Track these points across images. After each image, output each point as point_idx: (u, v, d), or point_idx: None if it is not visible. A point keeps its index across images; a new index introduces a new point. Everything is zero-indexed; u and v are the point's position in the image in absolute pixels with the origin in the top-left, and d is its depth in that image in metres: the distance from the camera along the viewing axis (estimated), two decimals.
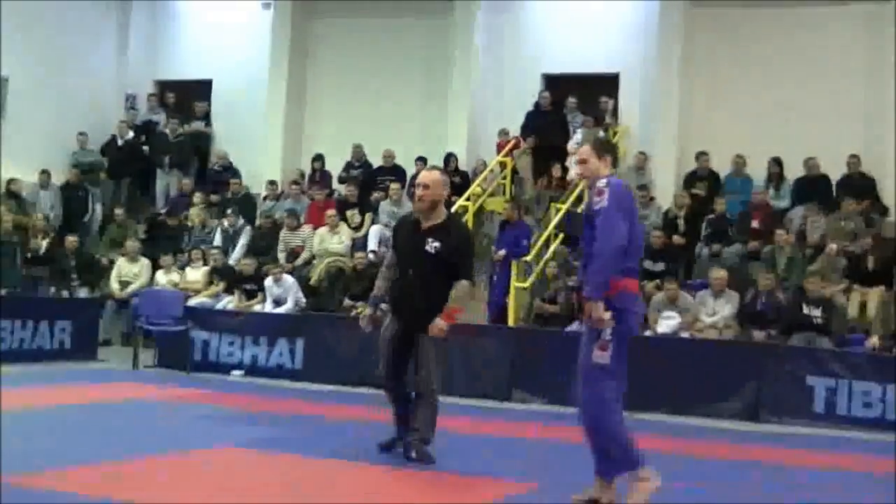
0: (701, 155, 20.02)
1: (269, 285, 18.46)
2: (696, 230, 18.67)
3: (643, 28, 21.54)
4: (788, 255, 17.40)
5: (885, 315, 15.57)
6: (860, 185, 19.00)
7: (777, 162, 19.53)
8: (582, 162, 8.06)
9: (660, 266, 17.74)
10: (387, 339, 9.86)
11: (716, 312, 16.36)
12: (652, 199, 19.68)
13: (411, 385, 9.91)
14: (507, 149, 20.95)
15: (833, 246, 17.15)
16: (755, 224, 18.54)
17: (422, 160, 21.13)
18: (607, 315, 7.60)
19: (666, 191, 20.27)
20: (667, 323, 16.14)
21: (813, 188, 19.10)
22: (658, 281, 17.19)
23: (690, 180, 19.98)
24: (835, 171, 19.25)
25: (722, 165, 20.04)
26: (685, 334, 16.10)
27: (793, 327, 15.86)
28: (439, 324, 9.54)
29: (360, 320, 10.15)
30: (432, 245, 9.58)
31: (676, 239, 18.48)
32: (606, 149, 8.15)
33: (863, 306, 16.51)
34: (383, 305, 10.18)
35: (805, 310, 15.91)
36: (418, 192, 9.79)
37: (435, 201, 9.70)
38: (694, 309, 16.43)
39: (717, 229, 18.54)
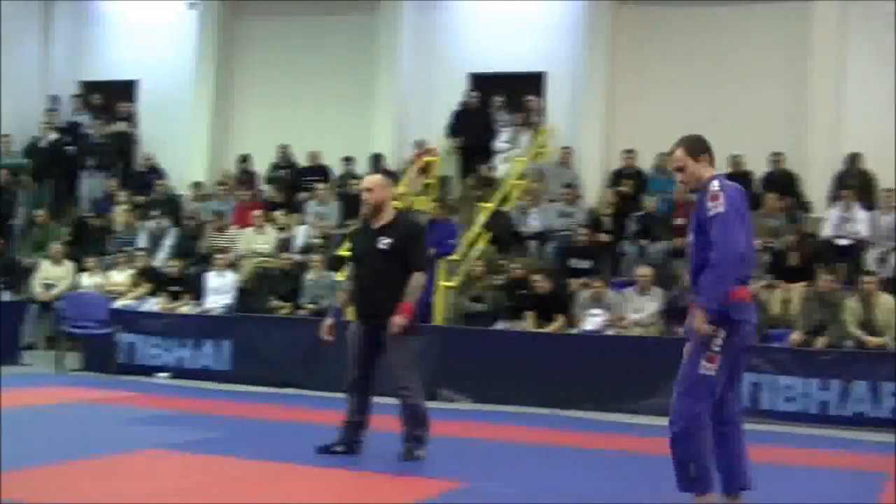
0: (627, 153, 20.14)
1: (211, 277, 18.50)
2: (621, 228, 18.77)
3: (570, 27, 21.62)
4: None
5: (808, 310, 15.74)
6: (783, 182, 19.19)
7: None
8: (679, 169, 7.67)
9: (586, 264, 17.83)
10: (354, 341, 10.11)
11: (641, 309, 16.48)
12: (578, 196, 19.77)
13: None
14: (420, 162, 20.64)
15: (756, 242, 17.29)
16: (679, 221, 18.66)
17: (348, 160, 21.17)
18: (712, 329, 7.32)
19: (592, 189, 20.40)
20: (593, 320, 16.25)
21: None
22: (584, 278, 17.27)
23: (616, 178, 20.10)
24: (758, 169, 19.44)
25: (648, 163, 20.16)
26: (611, 331, 16.20)
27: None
28: (396, 321, 9.82)
29: (321, 330, 10.32)
30: (384, 242, 9.92)
31: (602, 237, 18.57)
32: (701, 148, 7.70)
33: (786, 302, 16.67)
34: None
35: None
36: (363, 196, 10.21)
37: (379, 202, 10.06)
38: (620, 306, 16.55)
39: (644, 227, 18.65)
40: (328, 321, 10.32)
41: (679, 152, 7.66)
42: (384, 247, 9.89)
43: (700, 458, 7.47)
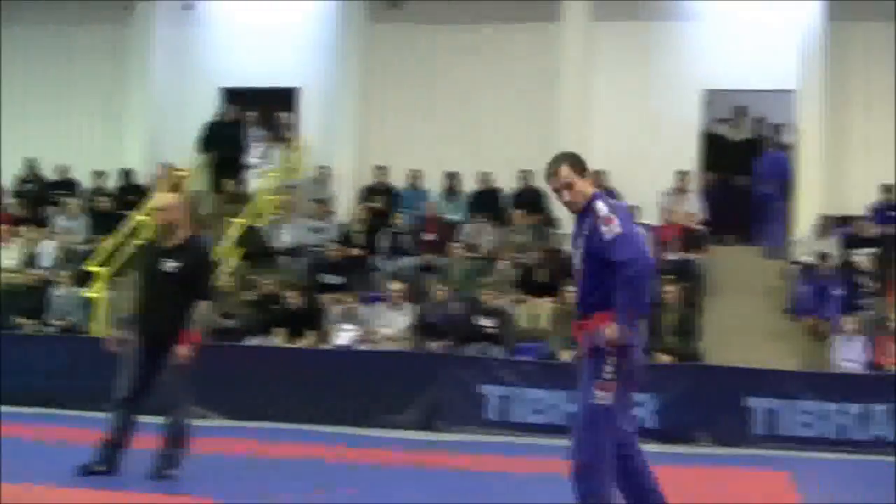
0: (378, 169, 20.30)
1: None
2: (373, 243, 18.90)
3: (323, 43, 21.66)
4: (463, 267, 17.81)
5: (557, 325, 16.13)
6: (531, 199, 19.61)
7: (452, 176, 20.00)
8: (567, 187, 7.16)
9: (337, 279, 17.89)
10: (133, 359, 9.89)
11: (392, 324, 16.64)
12: (330, 212, 19.83)
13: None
14: (171, 177, 20.36)
15: (504, 259, 17.65)
16: (430, 237, 18.92)
17: (99, 175, 20.86)
18: (622, 338, 6.86)
19: (345, 204, 20.45)
20: (344, 335, 16.33)
21: (486, 201, 19.62)
22: (336, 294, 17.34)
23: (368, 194, 20.23)
24: (508, 185, 19.85)
25: (400, 180, 20.36)
26: (363, 346, 16.30)
27: (467, 337, 16.25)
28: (182, 351, 9.69)
29: (108, 342, 10.18)
30: (169, 265, 9.76)
31: (354, 252, 18.66)
32: (584, 164, 7.25)
33: (534, 316, 17.04)
34: None
35: (478, 320, 16.33)
36: (154, 215, 10.17)
37: (170, 223, 9.91)
38: (371, 321, 16.68)
39: (395, 242, 18.81)
40: (115, 332, 10.20)
41: (565, 169, 7.19)
42: (170, 269, 9.74)
43: (601, 495, 7.02)
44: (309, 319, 16.72)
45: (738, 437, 14.29)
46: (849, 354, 15.67)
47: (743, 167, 20.02)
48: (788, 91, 19.88)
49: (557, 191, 7.26)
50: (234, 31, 22.19)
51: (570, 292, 16.11)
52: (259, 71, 21.80)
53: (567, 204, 7.26)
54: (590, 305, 7.11)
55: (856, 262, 17.55)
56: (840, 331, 16.00)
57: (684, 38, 20.60)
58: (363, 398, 15.05)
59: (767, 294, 18.05)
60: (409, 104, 21.22)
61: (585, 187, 7.18)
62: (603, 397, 6.96)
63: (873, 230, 18.25)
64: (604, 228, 6.95)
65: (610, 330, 6.88)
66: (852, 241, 18.10)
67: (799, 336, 16.80)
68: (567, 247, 18.20)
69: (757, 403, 14.43)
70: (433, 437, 14.24)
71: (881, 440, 14.12)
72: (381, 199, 20.04)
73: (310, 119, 21.69)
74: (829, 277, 17.02)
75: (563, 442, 13.35)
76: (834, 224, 18.43)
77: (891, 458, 13.39)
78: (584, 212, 7.15)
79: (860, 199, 19.22)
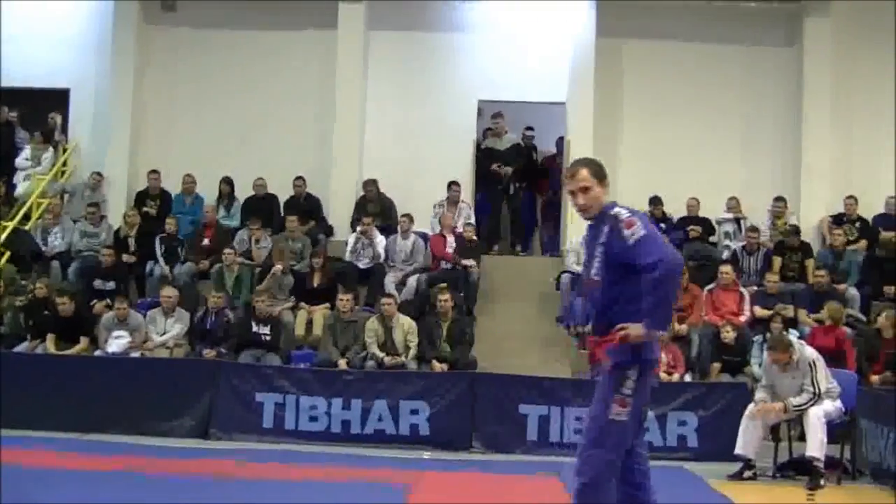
0: (152, 174, 20.06)
1: None
2: (146, 249, 18.67)
3: (96, 44, 21.28)
4: (237, 274, 17.75)
5: (331, 332, 16.22)
6: (306, 205, 19.66)
7: (227, 181, 19.89)
8: (583, 190, 6.98)
9: (110, 285, 17.65)
10: None
11: (166, 331, 16.52)
12: (103, 217, 19.49)
13: None
14: None
15: (279, 266, 17.65)
16: (206, 242, 18.77)
17: None
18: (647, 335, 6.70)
19: (117, 209, 20.12)
20: (117, 342, 16.10)
21: (261, 208, 19.57)
22: (108, 300, 17.12)
23: (141, 198, 19.97)
24: (283, 192, 19.84)
25: (175, 184, 20.15)
26: (136, 353, 16.12)
27: (242, 345, 16.23)
28: None
29: None
30: None
31: (127, 257, 18.42)
32: (604, 172, 7.07)
33: (309, 324, 17.10)
34: None
35: (254, 327, 16.33)
36: None
37: None
38: (145, 328, 16.51)
39: (170, 248, 18.62)
40: None
41: (585, 172, 7.02)
42: None
43: None
44: (81, 326, 16.46)
45: (511, 443, 14.52)
46: None
47: (514, 176, 20.29)
48: (560, 104, 20.37)
49: (573, 193, 7.08)
50: (3, 29, 21.59)
51: (345, 300, 16.31)
52: (29, 70, 21.27)
53: (581, 208, 7.06)
54: (612, 317, 6.90)
55: None
56: None
57: (460, 50, 20.99)
58: (137, 406, 14.78)
59: (539, 302, 18.47)
60: (184, 108, 21.07)
61: (602, 195, 7.01)
62: (620, 413, 6.81)
63: None
64: (626, 232, 6.79)
65: (634, 328, 6.72)
66: None
67: (570, 344, 17.18)
68: (341, 253, 18.47)
69: (529, 410, 14.67)
70: (208, 446, 14.14)
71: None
72: (155, 203, 19.83)
73: (82, 121, 21.33)
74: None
75: (340, 449, 13.62)
76: None
77: (656, 462, 13.83)
78: (598, 220, 7.02)
79: None
